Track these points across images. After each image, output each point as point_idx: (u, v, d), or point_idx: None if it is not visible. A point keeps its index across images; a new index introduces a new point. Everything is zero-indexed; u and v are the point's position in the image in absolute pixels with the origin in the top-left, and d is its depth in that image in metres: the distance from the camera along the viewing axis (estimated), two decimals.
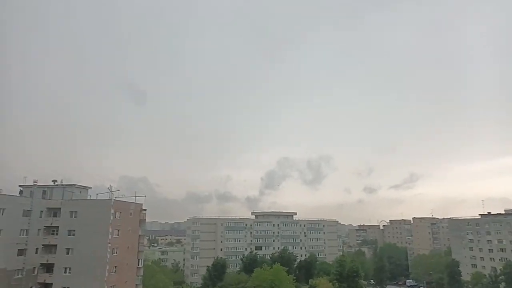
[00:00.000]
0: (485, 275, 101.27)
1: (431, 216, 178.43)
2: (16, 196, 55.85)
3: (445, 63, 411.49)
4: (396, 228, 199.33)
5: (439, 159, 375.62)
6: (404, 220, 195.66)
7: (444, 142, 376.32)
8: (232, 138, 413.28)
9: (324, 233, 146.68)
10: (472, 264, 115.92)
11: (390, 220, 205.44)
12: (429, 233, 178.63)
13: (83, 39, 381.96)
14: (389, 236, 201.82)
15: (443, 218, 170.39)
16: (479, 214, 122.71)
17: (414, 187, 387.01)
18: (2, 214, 48.43)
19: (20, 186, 58.31)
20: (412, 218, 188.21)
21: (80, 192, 61.58)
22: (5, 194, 53.09)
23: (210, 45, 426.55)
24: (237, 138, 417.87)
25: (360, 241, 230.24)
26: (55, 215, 55.96)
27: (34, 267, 53.21)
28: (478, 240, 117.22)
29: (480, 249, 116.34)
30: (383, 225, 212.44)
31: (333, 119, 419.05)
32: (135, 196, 63.03)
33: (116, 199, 58.14)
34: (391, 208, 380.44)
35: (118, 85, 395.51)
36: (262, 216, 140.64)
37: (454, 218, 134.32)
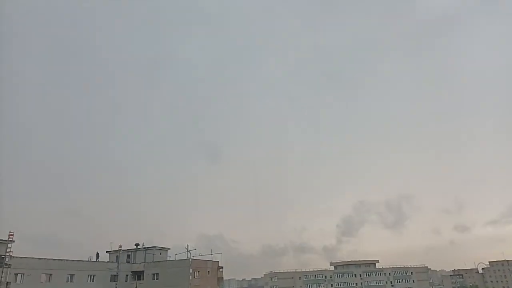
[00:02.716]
0: None
1: None
2: (105, 262, 59.55)
3: None
4: (499, 270, 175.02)
5: None
6: (507, 260, 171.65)
7: None
8: (304, 186, 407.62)
9: (413, 281, 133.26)
10: None
11: (489, 262, 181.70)
12: None
13: (159, 106, 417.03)
14: (491, 281, 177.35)
15: None
16: None
17: None
18: (93, 281, 51.63)
19: (107, 252, 62.26)
20: None
21: (160, 254, 63.87)
22: (95, 261, 56.98)
23: (277, 92, 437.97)
24: (309, 186, 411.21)
25: None
26: (139, 278, 58.33)
27: None
28: None
29: None
30: (482, 268, 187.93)
31: (411, 154, 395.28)
32: (211, 254, 63.77)
33: (194, 258, 59.25)
34: (490, 248, 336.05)
35: (194, 144, 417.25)
36: (341, 267, 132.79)
37: None
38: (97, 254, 59.85)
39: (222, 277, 66.47)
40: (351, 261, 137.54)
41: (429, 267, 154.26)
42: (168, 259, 63.53)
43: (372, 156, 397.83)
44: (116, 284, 54.67)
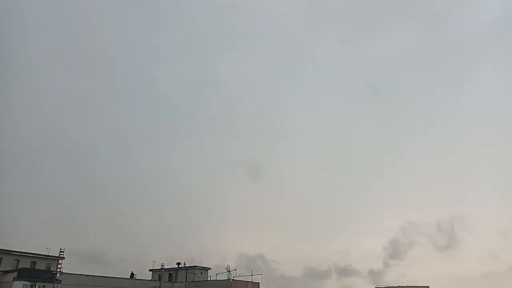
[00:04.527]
0: None
1: None
2: (148, 280, 60.73)
3: None
4: None
5: None
6: None
7: None
8: (348, 205, 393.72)
9: None
10: None
11: None
12: None
13: (200, 123, 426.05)
14: None
15: None
16: None
17: None
18: None
19: (150, 270, 63.55)
20: None
21: (201, 273, 64.15)
22: (140, 279, 58.34)
23: (318, 108, 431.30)
24: (352, 205, 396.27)
25: None
26: None
27: None
28: None
29: None
30: None
31: (461, 172, 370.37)
32: (252, 275, 62.96)
33: (234, 278, 58.89)
34: None
35: (235, 161, 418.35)
36: None
37: None
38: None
39: None
40: (399, 286, 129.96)
41: None
42: (208, 278, 63.65)
43: (419, 174, 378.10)
44: None
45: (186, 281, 60.44)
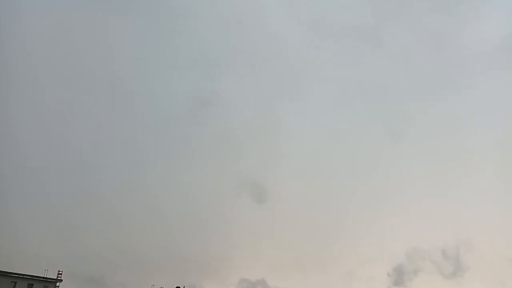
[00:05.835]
0: None
1: None
2: None
3: None
4: None
5: None
6: None
7: None
8: (351, 230, 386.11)
9: None
10: None
11: None
12: None
13: (201, 145, 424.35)
14: None
15: None
16: None
17: None
18: None
19: None
20: None
21: None
22: None
23: (321, 126, 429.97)
24: (356, 230, 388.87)
25: None
26: None
27: None
28: None
29: None
30: None
31: (469, 196, 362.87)
32: None
33: None
34: None
35: (236, 184, 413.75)
36: None
37: None
38: None
39: None
40: None
41: None
42: None
43: (425, 197, 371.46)
44: None
45: None
